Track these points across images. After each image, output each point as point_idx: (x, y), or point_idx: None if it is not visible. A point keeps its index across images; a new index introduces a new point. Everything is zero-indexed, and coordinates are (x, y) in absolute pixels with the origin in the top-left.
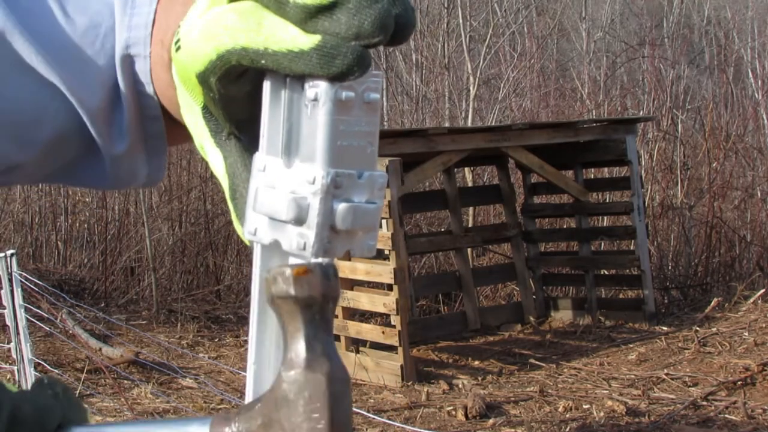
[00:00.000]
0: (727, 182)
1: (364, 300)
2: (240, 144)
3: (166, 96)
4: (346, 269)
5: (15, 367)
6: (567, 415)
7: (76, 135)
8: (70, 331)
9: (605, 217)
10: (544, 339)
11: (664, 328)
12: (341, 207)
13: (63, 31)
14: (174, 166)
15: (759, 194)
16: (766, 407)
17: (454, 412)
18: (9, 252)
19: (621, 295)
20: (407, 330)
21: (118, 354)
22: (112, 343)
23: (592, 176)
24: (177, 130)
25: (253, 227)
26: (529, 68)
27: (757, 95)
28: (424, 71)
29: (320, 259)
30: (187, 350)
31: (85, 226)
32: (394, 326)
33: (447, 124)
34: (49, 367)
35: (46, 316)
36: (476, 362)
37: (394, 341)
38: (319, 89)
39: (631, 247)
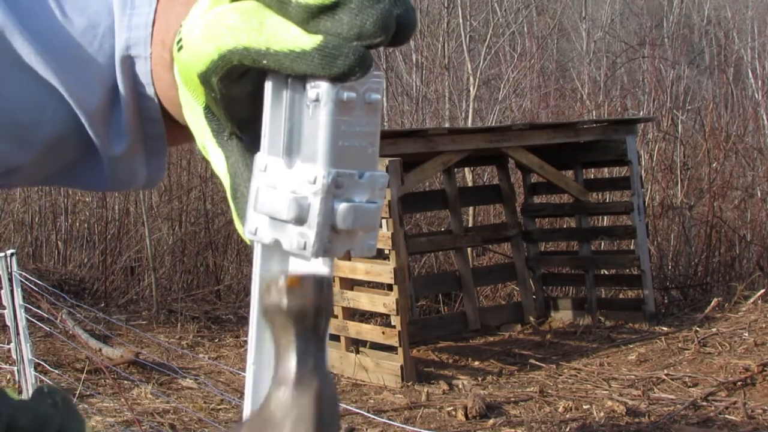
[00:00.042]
0: (727, 182)
1: (364, 300)
2: (242, 144)
3: (167, 97)
4: (346, 269)
5: (15, 368)
6: (567, 416)
7: (74, 136)
8: (70, 332)
9: (605, 217)
10: (544, 339)
11: (664, 329)
12: (342, 207)
13: (61, 31)
14: (174, 166)
15: (759, 194)
16: (766, 407)
17: (454, 413)
18: (9, 252)
19: (621, 295)
20: (407, 330)
21: (118, 354)
22: (112, 344)
23: (592, 176)
24: (177, 131)
25: (254, 227)
26: (529, 68)
27: (757, 95)
28: (424, 71)
29: (314, 270)
30: (187, 350)
31: (85, 225)
32: (394, 326)
33: (447, 125)
34: (49, 368)
35: (46, 316)
36: (476, 362)
37: (394, 341)
38: (320, 89)
39: (631, 247)
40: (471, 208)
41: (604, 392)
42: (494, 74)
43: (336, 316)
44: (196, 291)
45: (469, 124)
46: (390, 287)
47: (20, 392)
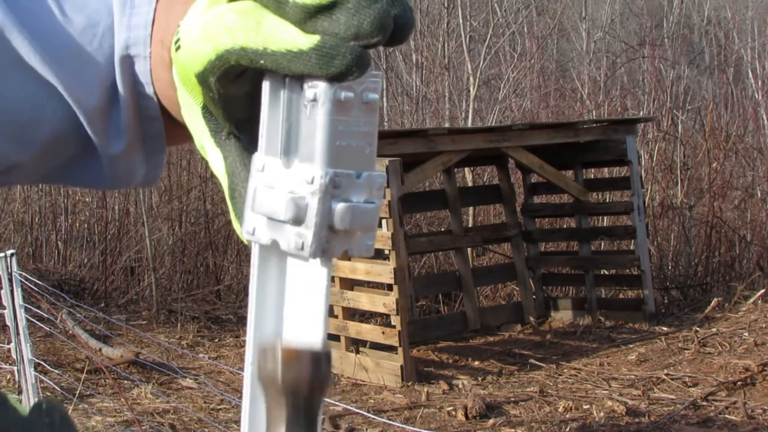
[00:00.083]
0: (727, 182)
1: (364, 300)
2: (239, 144)
3: (166, 96)
4: (346, 269)
5: (15, 368)
6: (567, 416)
7: (73, 135)
8: (70, 332)
9: (605, 217)
10: (544, 339)
11: (664, 329)
12: (340, 207)
13: (61, 30)
14: (174, 166)
15: (759, 194)
16: (766, 407)
17: (454, 413)
18: (9, 252)
19: (621, 295)
20: (407, 330)
21: (118, 354)
22: (112, 344)
23: (592, 176)
24: (177, 130)
25: (252, 227)
26: (529, 68)
27: (757, 95)
28: (424, 71)
29: (313, 345)
30: (187, 350)
31: (85, 226)
32: (394, 326)
33: (447, 125)
34: (49, 368)
35: (46, 316)
36: (476, 362)
37: (394, 341)
38: (318, 89)
39: (631, 247)
40: (471, 208)
41: (604, 392)
42: (494, 74)
43: (336, 316)
44: (196, 291)
45: (469, 124)
46: (390, 287)
47: (20, 392)
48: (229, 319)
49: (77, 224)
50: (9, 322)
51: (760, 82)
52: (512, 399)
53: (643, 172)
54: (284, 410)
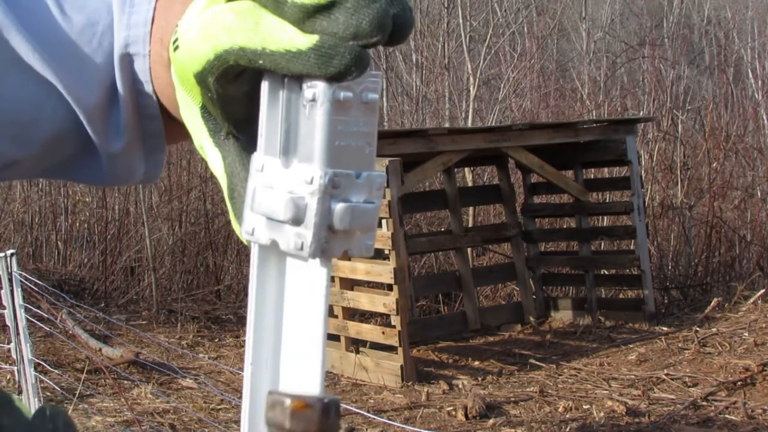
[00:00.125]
0: (727, 182)
1: (364, 300)
2: (239, 144)
3: (165, 94)
4: (346, 269)
5: (15, 368)
6: (567, 416)
7: (72, 133)
8: (70, 332)
9: (605, 217)
10: (544, 339)
11: (664, 329)
12: (339, 207)
13: (60, 29)
14: (174, 166)
15: (759, 194)
16: (766, 407)
17: (454, 413)
18: (9, 252)
19: (621, 295)
20: (407, 330)
21: (118, 354)
22: (112, 344)
23: (592, 176)
24: (177, 129)
25: (251, 227)
26: (529, 68)
27: (757, 95)
28: (424, 71)
29: (322, 395)
30: (187, 350)
31: (85, 226)
32: (394, 326)
33: (447, 125)
34: (49, 368)
35: (46, 316)
36: (476, 362)
37: (394, 341)
38: (317, 89)
39: (631, 247)
40: (471, 208)
41: (604, 392)
42: (494, 74)
43: (336, 316)
44: (196, 291)
45: (469, 124)
46: (390, 287)
47: (20, 392)
48: (229, 319)
49: (77, 224)
50: (9, 322)
51: (760, 82)
52: (512, 399)
53: (643, 172)
54: None
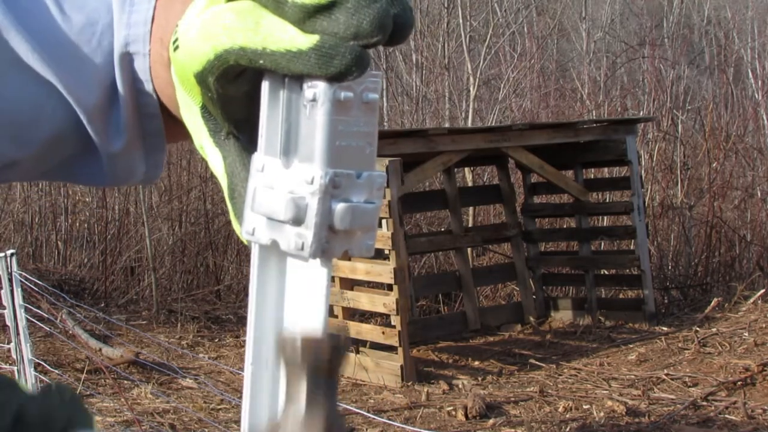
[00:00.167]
0: (727, 182)
1: (364, 300)
2: (239, 144)
3: (165, 94)
4: (346, 269)
5: (15, 368)
6: (567, 416)
7: (73, 133)
8: (70, 332)
9: (605, 217)
10: (544, 339)
11: (664, 329)
12: (339, 207)
13: (59, 29)
14: (174, 166)
15: (759, 194)
16: (766, 407)
17: (454, 413)
18: (9, 252)
19: (621, 295)
20: (407, 330)
21: (118, 354)
22: (112, 344)
23: (592, 176)
24: (177, 128)
25: (251, 227)
26: (529, 68)
27: (757, 95)
28: (424, 71)
29: (331, 330)
30: (187, 350)
31: (85, 226)
32: (394, 326)
33: (447, 125)
34: (49, 368)
35: (46, 316)
36: (476, 362)
37: (394, 341)
38: (317, 89)
39: (631, 247)
40: (471, 208)
41: (604, 392)
42: (494, 74)
43: (336, 316)
44: (196, 291)
45: (469, 124)
46: (390, 287)
47: None
48: (229, 319)
49: (77, 224)
50: (9, 322)
51: (760, 82)
52: (512, 399)
53: (643, 172)
54: (305, 384)
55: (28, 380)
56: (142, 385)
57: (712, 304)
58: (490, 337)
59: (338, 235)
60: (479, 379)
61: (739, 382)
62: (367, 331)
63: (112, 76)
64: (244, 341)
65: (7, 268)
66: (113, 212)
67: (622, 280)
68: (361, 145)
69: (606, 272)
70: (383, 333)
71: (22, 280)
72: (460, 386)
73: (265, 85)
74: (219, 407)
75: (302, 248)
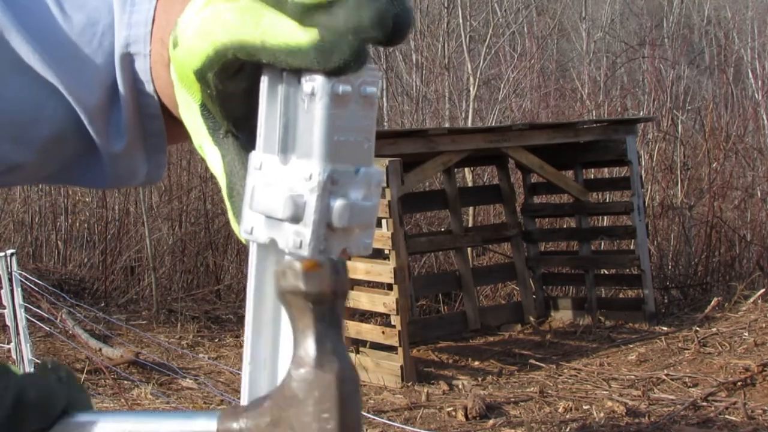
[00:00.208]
0: (727, 182)
1: (364, 300)
2: (238, 142)
3: (166, 94)
4: None
5: None
6: (567, 416)
7: (74, 134)
8: (70, 332)
9: (605, 217)
10: (544, 339)
11: (664, 329)
12: (338, 204)
13: (60, 29)
14: (174, 166)
15: (759, 194)
16: (766, 408)
17: (454, 413)
18: (9, 252)
19: (621, 295)
20: (407, 330)
21: (118, 354)
22: (112, 344)
23: (592, 176)
24: (177, 129)
25: (250, 226)
26: (529, 68)
27: (757, 96)
28: (424, 71)
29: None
30: (187, 350)
31: (85, 225)
32: (394, 326)
33: (447, 125)
34: None
35: (46, 316)
36: (476, 363)
37: (394, 341)
38: (315, 83)
39: (631, 247)
40: (471, 208)
41: (604, 392)
42: (494, 74)
43: None
44: (196, 291)
45: (469, 124)
46: (390, 287)
47: None
48: (229, 319)
49: (77, 224)
50: (9, 322)
51: (760, 82)
52: (512, 399)
53: (643, 172)
54: (310, 320)
55: None
56: (142, 386)
57: (712, 304)
58: (490, 337)
59: (336, 233)
60: (479, 379)
61: (739, 383)
62: (367, 331)
63: (113, 77)
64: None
65: (7, 268)
66: (113, 212)
67: (622, 280)
68: (359, 140)
69: (606, 272)
70: (383, 333)
71: (22, 279)
72: (460, 386)
73: (263, 80)
74: (219, 407)
75: (300, 246)
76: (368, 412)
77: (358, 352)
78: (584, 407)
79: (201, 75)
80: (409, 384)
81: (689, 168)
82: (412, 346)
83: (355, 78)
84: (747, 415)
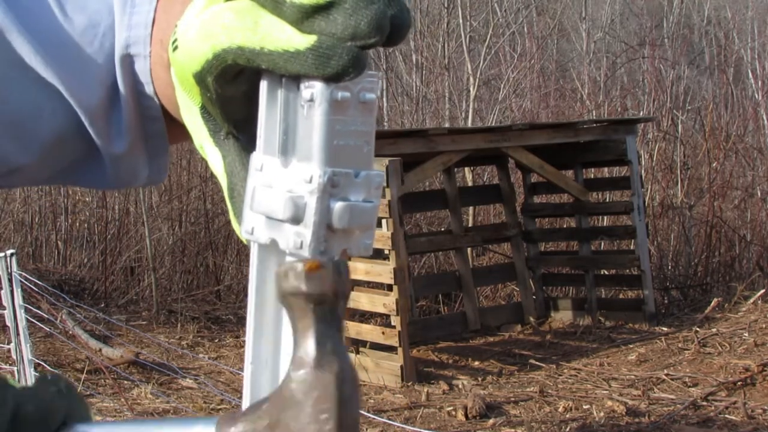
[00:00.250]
0: (727, 182)
1: (363, 300)
2: (238, 143)
3: (166, 95)
4: None
5: (15, 368)
6: (567, 416)
7: (75, 136)
8: (70, 332)
9: (605, 217)
10: (544, 339)
11: (664, 329)
12: (338, 206)
13: (61, 30)
14: (174, 166)
15: (759, 194)
16: (766, 407)
17: (454, 413)
18: (9, 252)
19: (621, 296)
20: (407, 330)
21: (118, 354)
22: (112, 344)
23: (592, 176)
24: (178, 129)
25: (251, 226)
26: (529, 69)
27: (757, 96)
28: (424, 72)
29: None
30: (187, 351)
31: (85, 225)
32: (394, 327)
33: (447, 125)
34: (49, 368)
35: (46, 316)
36: (476, 363)
37: (394, 342)
38: (314, 90)
39: (631, 247)
40: (471, 208)
41: (604, 392)
42: (494, 74)
43: None
44: (196, 291)
45: (469, 124)
46: (390, 287)
47: None
48: (229, 319)
49: (77, 224)
50: (9, 322)
51: (760, 82)
52: (512, 399)
53: (643, 172)
54: (311, 320)
55: (28, 380)
56: (142, 386)
57: (712, 304)
58: (490, 338)
59: (337, 234)
60: (479, 379)
61: (739, 383)
62: (367, 332)
63: (113, 78)
64: (244, 341)
65: (7, 268)
66: (113, 212)
67: (622, 280)
68: (358, 144)
69: (606, 272)
70: (383, 333)
71: (22, 280)
72: (460, 386)
73: (263, 85)
74: (219, 407)
75: (301, 247)
76: (368, 412)
77: (358, 352)
78: (584, 407)
79: (200, 78)
80: (409, 384)
81: (689, 168)
82: (412, 346)
83: (354, 84)
84: (747, 414)
